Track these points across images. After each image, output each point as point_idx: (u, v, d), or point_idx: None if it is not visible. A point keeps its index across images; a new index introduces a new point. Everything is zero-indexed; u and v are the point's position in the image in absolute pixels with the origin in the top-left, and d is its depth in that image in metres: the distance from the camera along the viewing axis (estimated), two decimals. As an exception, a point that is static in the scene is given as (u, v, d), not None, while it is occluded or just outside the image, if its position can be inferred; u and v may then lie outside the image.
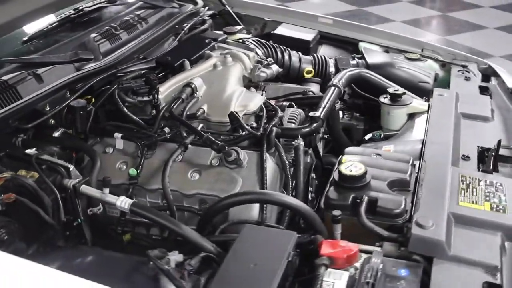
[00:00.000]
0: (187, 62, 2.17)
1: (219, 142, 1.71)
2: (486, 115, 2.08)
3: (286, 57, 2.38)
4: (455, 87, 2.37)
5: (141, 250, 1.44)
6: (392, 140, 2.04)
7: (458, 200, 1.54)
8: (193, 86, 1.97)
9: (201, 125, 1.87)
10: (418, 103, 2.20)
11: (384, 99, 2.20)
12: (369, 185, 1.58)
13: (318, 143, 2.30)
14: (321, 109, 1.95)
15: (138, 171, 1.75)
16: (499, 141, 1.77)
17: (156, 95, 1.91)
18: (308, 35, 2.73)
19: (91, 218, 1.72)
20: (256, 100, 1.99)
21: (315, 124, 1.88)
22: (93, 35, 2.17)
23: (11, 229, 1.53)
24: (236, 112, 1.84)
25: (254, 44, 2.33)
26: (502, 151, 1.82)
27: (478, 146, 1.86)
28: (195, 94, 1.96)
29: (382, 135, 2.14)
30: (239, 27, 2.71)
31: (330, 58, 2.49)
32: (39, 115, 1.80)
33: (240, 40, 2.38)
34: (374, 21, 6.71)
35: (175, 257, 1.38)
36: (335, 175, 1.63)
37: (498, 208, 1.50)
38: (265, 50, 2.35)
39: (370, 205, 1.52)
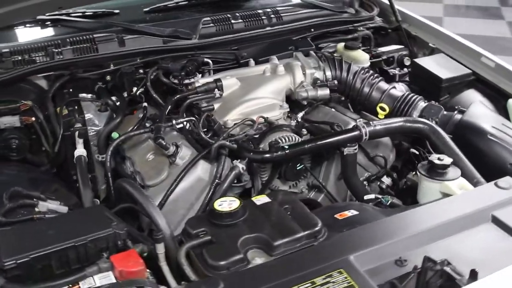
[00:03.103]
0: (252, 62, 2.22)
1: (160, 135, 1.78)
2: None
3: (366, 87, 2.12)
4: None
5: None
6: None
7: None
8: (218, 83, 2.03)
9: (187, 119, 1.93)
10: (457, 185, 1.69)
11: (421, 166, 1.78)
12: (231, 228, 1.44)
13: None
14: (295, 144, 1.79)
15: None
16: (425, 258, 1.30)
17: (181, 81, 2.07)
18: (448, 73, 2.29)
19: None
20: (268, 115, 1.94)
21: (268, 154, 1.73)
22: (206, 18, 2.42)
23: (22, 142, 2.04)
24: (210, 116, 1.86)
25: (329, 64, 2.16)
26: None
27: (445, 260, 1.38)
28: (215, 91, 2.03)
29: (389, 202, 1.76)
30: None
31: (425, 102, 2.08)
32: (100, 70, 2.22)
33: (320, 55, 2.22)
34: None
35: (48, 204, 1.63)
36: None
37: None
38: (338, 73, 2.14)
39: (204, 246, 1.41)
